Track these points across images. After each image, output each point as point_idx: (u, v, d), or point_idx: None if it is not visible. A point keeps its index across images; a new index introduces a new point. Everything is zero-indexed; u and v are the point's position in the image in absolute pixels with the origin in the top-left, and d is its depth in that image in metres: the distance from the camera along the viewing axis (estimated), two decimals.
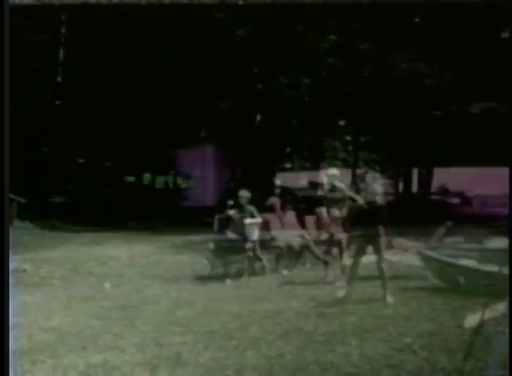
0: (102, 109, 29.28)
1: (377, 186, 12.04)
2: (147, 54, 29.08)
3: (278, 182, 15.82)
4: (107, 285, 13.69)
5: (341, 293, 11.55)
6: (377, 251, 11.54)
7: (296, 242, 15.19)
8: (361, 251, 11.72)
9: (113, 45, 28.13)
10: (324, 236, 16.31)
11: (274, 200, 15.86)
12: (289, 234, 15.40)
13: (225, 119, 34.45)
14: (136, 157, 29.01)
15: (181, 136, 30.55)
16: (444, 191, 48.98)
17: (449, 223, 15.34)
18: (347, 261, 14.98)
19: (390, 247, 11.95)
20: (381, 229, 11.46)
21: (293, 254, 15.25)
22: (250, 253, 14.89)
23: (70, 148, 29.56)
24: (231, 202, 15.26)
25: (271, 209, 15.56)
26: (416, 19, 30.94)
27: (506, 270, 5.30)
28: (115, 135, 28.97)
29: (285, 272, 14.96)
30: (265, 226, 15.39)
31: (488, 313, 7.67)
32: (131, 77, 30.16)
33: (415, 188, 39.37)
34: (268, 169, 34.48)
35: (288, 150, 45.84)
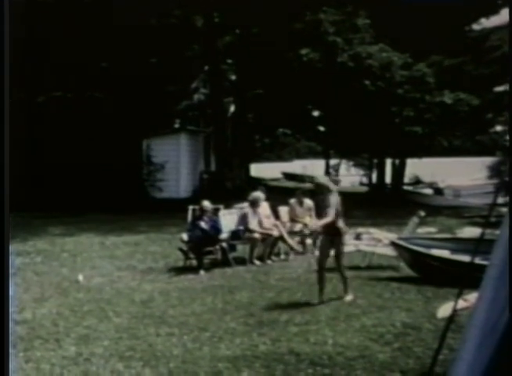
0: (76, 98, 29.12)
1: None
2: (121, 42, 28.89)
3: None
4: (80, 277, 13.63)
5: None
6: (337, 247, 10.91)
7: (270, 232, 15.21)
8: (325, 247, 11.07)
9: (90, 32, 27.92)
10: (298, 226, 16.37)
11: (258, 194, 15.83)
12: (263, 225, 15.41)
13: (199, 109, 34.45)
14: (110, 147, 28.84)
15: (155, 126, 30.47)
16: (417, 181, 49.36)
17: (422, 214, 15.43)
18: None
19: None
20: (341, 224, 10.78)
21: (267, 245, 15.26)
22: (224, 244, 14.90)
23: (42, 140, 29.39)
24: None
25: (255, 203, 15.53)
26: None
27: (478, 260, 5.31)
28: (88, 125, 28.80)
29: (258, 262, 14.97)
30: (244, 219, 15.40)
31: (461, 303, 7.74)
32: (105, 65, 30.03)
33: (388, 178, 39.55)
34: (242, 160, 34.51)
35: (262, 140, 45.96)
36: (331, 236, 10.81)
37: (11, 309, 9.34)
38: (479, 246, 4.64)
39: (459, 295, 5.16)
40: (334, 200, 10.63)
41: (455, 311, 5.16)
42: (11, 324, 9.00)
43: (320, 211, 11.36)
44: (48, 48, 28.38)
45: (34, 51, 27.81)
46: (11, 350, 8.01)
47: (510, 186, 5.53)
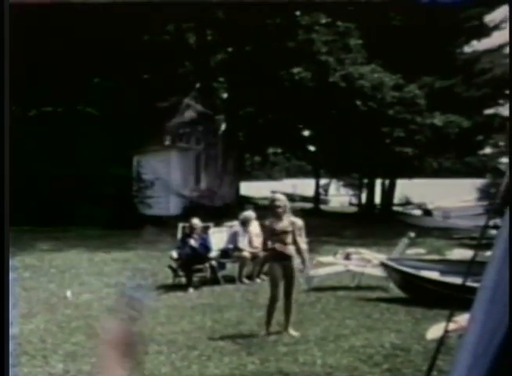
0: (67, 113, 29.15)
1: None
2: (113, 58, 28.96)
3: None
4: (68, 293, 13.56)
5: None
6: (289, 277, 10.02)
7: (259, 251, 15.18)
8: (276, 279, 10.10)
9: (83, 47, 27.96)
10: None
11: (250, 214, 15.82)
12: (253, 244, 15.39)
13: (191, 126, 34.43)
14: (99, 163, 28.80)
15: (145, 143, 30.48)
16: (406, 202, 49.40)
17: (412, 235, 15.44)
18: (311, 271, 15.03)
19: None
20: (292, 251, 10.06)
21: (256, 264, 15.23)
22: (213, 262, 14.87)
23: (31, 154, 29.34)
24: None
25: (246, 223, 15.53)
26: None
27: (469, 282, 5.28)
28: (78, 140, 28.77)
29: (247, 281, 14.95)
30: (233, 237, 15.40)
31: (452, 325, 7.71)
32: (97, 80, 30.09)
33: (377, 199, 39.59)
34: (232, 178, 34.47)
35: (252, 159, 45.98)
36: (282, 261, 9.97)
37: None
38: (470, 268, 4.63)
39: (450, 317, 5.15)
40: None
41: (446, 332, 5.15)
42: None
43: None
44: (40, 62, 28.37)
45: (24, 65, 27.80)
46: None
47: (497, 208, 5.52)
